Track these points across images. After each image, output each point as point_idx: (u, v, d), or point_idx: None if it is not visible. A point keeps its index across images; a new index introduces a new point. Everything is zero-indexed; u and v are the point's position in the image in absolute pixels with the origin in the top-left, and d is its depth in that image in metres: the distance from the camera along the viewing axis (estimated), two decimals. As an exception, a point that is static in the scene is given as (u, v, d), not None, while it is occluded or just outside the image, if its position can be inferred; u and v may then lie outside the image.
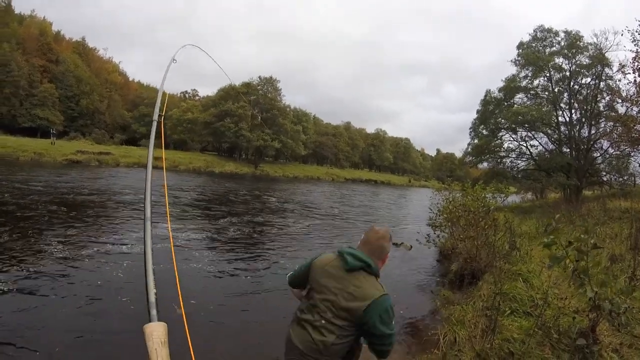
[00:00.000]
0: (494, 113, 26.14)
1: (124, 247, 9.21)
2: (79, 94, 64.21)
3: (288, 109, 76.47)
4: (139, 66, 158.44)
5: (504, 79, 26.25)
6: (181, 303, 1.89)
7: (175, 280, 2.21)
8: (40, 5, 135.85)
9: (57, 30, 72.99)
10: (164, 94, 3.09)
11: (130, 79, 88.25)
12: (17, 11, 67.11)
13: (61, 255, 8.10)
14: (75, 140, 54.25)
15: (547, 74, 24.51)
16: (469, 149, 27.64)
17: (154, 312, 1.43)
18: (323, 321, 2.36)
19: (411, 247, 11.99)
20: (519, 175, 25.73)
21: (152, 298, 1.49)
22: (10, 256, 7.71)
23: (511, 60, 26.02)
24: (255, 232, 12.92)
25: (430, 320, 6.44)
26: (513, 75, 25.91)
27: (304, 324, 2.43)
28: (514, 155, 26.60)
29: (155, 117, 2.73)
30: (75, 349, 4.66)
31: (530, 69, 25.14)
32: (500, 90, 26.25)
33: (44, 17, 71.34)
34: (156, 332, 1.29)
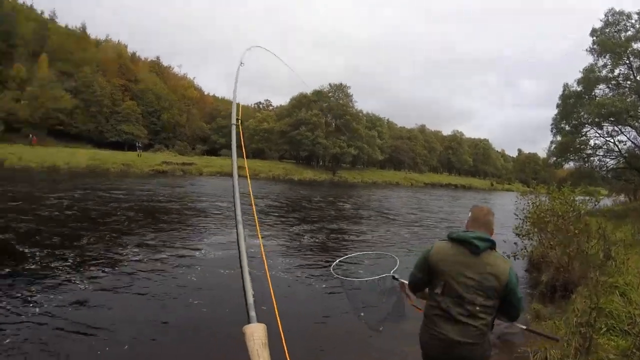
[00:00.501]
0: (575, 107, 24.30)
1: (204, 250, 9.86)
2: (159, 110, 68.60)
3: (361, 114, 76.12)
4: (212, 80, 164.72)
5: (581, 70, 24.32)
6: (275, 306, 1.89)
7: (268, 284, 2.25)
8: (113, 30, 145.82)
9: (133, 51, 78.78)
10: (237, 102, 3.15)
11: (206, 93, 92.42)
12: (92, 37, 73.57)
13: (135, 259, 8.81)
14: (160, 152, 57.79)
15: (627, 61, 22.47)
16: (552, 148, 25.89)
17: (252, 313, 1.45)
18: (477, 307, 2.48)
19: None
20: (609, 175, 23.88)
21: (250, 299, 1.51)
22: (89, 258, 8.56)
23: (586, 49, 24.07)
24: (329, 239, 13.04)
25: (520, 335, 6.12)
26: (591, 65, 23.93)
27: (459, 317, 2.49)
28: (601, 153, 24.49)
29: (233, 120, 2.82)
30: (163, 345, 5.11)
31: (607, 56, 23.13)
32: (578, 82, 24.33)
33: (118, 41, 77.26)
34: (257, 333, 1.32)
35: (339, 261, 5.52)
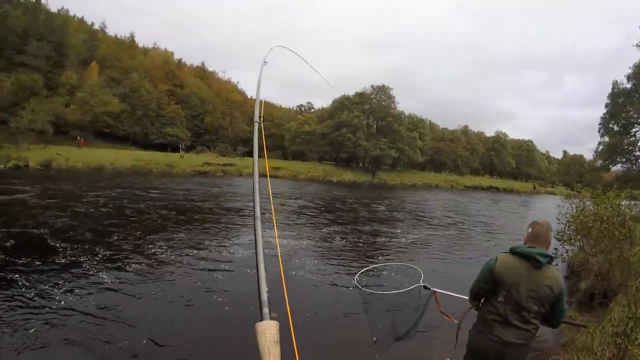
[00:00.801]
0: (625, 106, 23.21)
1: (231, 249, 10.08)
2: (203, 113, 71.19)
3: (403, 116, 75.42)
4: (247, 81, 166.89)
5: (631, 66, 23.07)
6: (287, 306, 1.90)
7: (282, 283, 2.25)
8: (160, 38, 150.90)
9: (179, 58, 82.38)
10: (260, 100, 3.14)
11: (249, 97, 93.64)
12: (140, 45, 78.53)
13: (163, 256, 9.07)
14: (202, 154, 59.27)
15: None
16: (599, 148, 24.85)
17: (265, 310, 1.45)
18: (532, 314, 2.86)
19: None
20: (658, 179, 22.69)
21: (264, 297, 1.52)
22: (118, 254, 8.87)
23: (637, 44, 22.35)
24: (360, 241, 12.92)
25: (553, 343, 5.98)
26: None
27: (516, 323, 2.87)
28: (651, 155, 23.41)
29: (256, 118, 2.78)
30: (184, 340, 5.21)
31: None
32: (628, 78, 23.15)
33: (165, 48, 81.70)
34: (268, 331, 1.32)
35: (362, 272, 5.54)
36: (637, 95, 22.83)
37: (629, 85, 23.36)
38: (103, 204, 15.24)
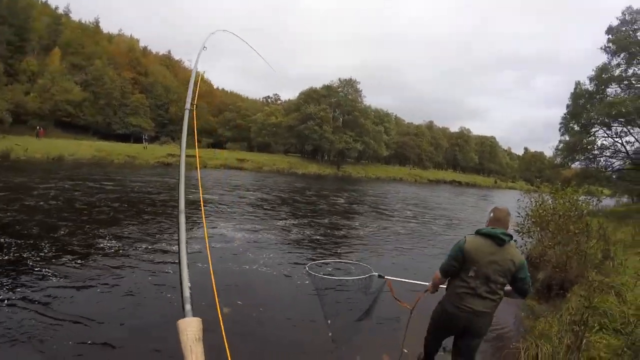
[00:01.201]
0: (585, 107, 23.94)
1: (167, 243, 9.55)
2: (168, 102, 69.48)
3: (369, 110, 75.84)
4: (223, 74, 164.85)
5: (594, 68, 23.85)
6: (216, 299, 1.85)
7: (211, 277, 2.21)
8: (126, 24, 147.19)
9: (144, 45, 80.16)
10: (196, 81, 3.06)
11: (215, 87, 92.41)
12: (105, 31, 75.07)
13: (110, 251, 8.60)
14: (166, 145, 57.88)
15: None
16: (560, 147, 25.58)
17: (188, 307, 1.38)
18: (498, 285, 3.46)
19: None
20: (614, 177, 23.61)
21: (187, 293, 1.44)
22: (63, 249, 8.35)
23: (601, 48, 23.60)
24: (318, 235, 12.67)
25: (512, 331, 6.13)
26: (604, 63, 23.42)
27: (484, 294, 3.46)
28: (608, 154, 24.21)
29: (188, 105, 2.67)
30: (111, 340, 4.85)
31: (622, 55, 22.65)
32: (590, 80, 23.92)
33: (130, 35, 79.04)
34: (190, 328, 1.26)
35: (313, 263, 5.67)
36: (598, 97, 23.58)
37: (590, 87, 24.12)
38: (53, 197, 14.54)
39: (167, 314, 5.55)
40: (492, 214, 3.68)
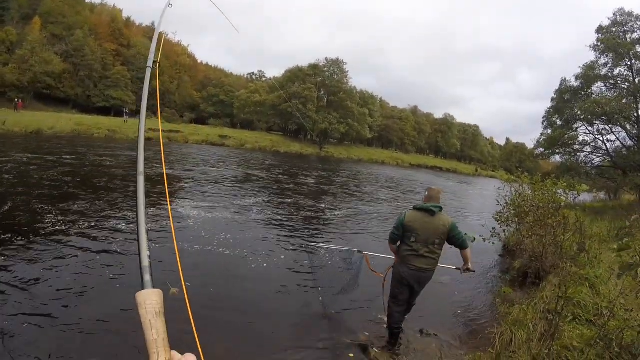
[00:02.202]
0: (569, 103, 24.23)
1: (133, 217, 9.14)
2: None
3: (354, 92, 74.82)
4: (208, 49, 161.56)
5: (581, 66, 24.11)
6: (180, 273, 1.77)
7: (176, 252, 2.10)
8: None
9: (127, 16, 77.22)
10: (159, 38, 2.63)
11: (199, 61, 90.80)
12: (87, 0, 71.81)
13: (78, 226, 8.28)
14: (148, 119, 56.08)
15: (629, 63, 22.26)
16: (541, 140, 25.84)
17: (147, 277, 1.18)
18: (435, 246, 4.53)
19: (474, 239, 11.48)
20: (593, 172, 24.02)
21: (146, 262, 1.22)
22: (16, 226, 7.96)
23: (590, 46, 23.75)
24: (278, 215, 12.35)
25: (487, 316, 6.26)
26: (592, 62, 23.69)
27: (425, 254, 4.52)
28: (588, 150, 24.61)
29: (150, 63, 2.27)
30: (68, 316, 4.74)
31: (610, 55, 22.92)
32: (577, 77, 24.15)
33: (114, 5, 76.01)
34: (149, 301, 1.08)
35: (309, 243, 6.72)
36: (582, 94, 23.95)
37: (576, 84, 24.43)
38: (6, 171, 13.62)
39: (125, 288, 5.51)
40: (427, 193, 4.79)
